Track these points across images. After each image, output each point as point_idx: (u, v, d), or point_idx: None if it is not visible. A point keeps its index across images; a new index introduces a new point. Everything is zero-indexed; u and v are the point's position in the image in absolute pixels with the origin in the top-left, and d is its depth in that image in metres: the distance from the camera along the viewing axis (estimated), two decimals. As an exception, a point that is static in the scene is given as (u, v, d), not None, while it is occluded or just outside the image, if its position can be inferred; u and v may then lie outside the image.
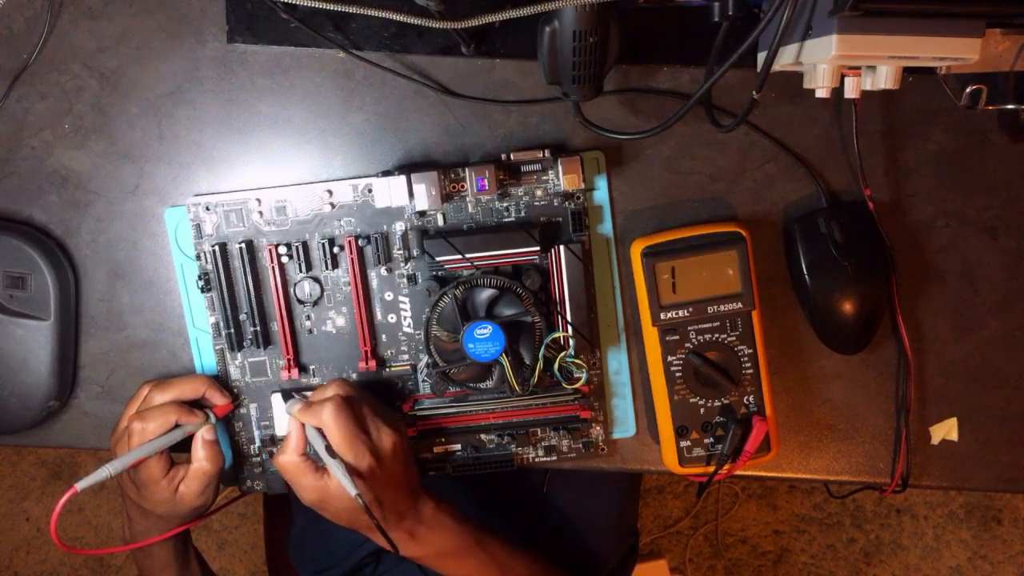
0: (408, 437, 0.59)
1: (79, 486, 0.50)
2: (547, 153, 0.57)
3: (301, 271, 0.59)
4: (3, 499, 1.58)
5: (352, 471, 0.52)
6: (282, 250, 0.58)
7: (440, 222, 0.58)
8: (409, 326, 0.60)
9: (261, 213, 0.58)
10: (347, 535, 0.78)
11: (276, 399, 0.60)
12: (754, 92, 0.48)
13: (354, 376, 0.60)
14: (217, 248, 0.58)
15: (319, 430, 0.53)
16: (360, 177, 0.59)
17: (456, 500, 0.61)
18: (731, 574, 1.57)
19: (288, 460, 0.54)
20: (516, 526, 0.79)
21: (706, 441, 0.60)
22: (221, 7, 0.58)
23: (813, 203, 0.61)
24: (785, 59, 0.51)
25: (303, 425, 0.54)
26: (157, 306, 0.62)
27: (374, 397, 0.58)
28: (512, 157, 0.57)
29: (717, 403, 0.60)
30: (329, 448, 0.52)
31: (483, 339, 0.54)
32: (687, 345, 0.59)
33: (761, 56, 0.54)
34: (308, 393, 0.58)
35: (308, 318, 0.60)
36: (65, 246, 0.61)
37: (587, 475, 0.78)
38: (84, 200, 0.61)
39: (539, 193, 0.58)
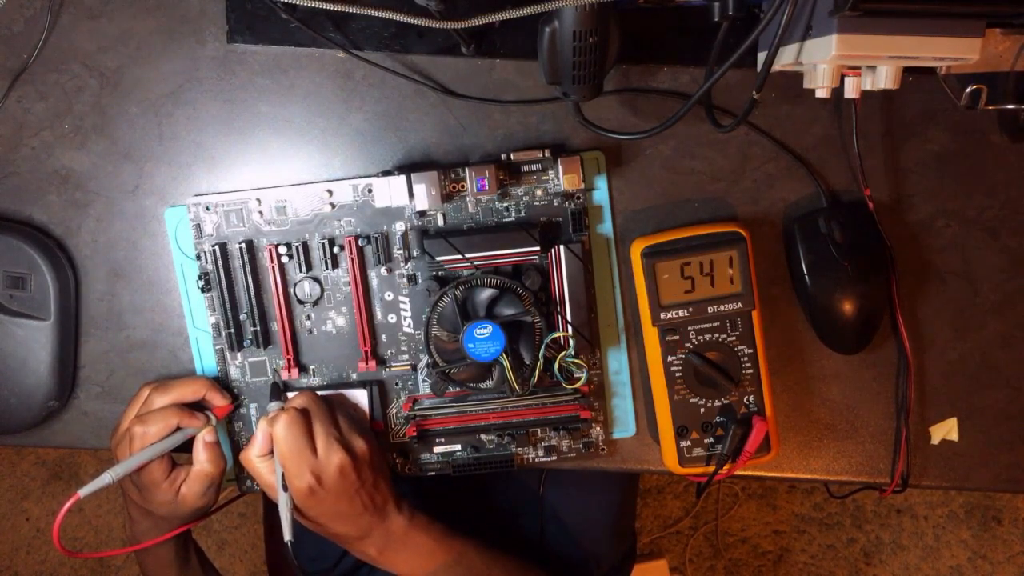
0: (374, 457, 0.56)
1: (82, 493, 0.50)
2: (547, 153, 0.57)
3: (301, 271, 0.59)
4: (3, 499, 1.58)
5: (291, 485, 0.53)
6: (282, 250, 0.58)
7: (440, 222, 0.58)
8: (409, 326, 0.60)
9: (261, 213, 0.58)
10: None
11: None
12: (754, 92, 0.48)
13: (354, 376, 0.60)
14: (217, 248, 0.58)
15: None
16: (360, 177, 0.59)
17: (451, 501, 0.61)
18: (731, 574, 1.57)
19: (242, 456, 0.56)
20: (512, 527, 0.79)
21: (706, 441, 0.60)
22: (221, 7, 0.58)
23: (813, 203, 0.61)
24: (785, 59, 0.51)
25: (269, 431, 0.54)
26: (157, 306, 0.62)
27: (346, 416, 0.57)
28: (512, 157, 0.57)
29: (717, 403, 0.60)
30: (283, 480, 0.54)
31: (483, 339, 0.54)
32: (687, 345, 0.59)
33: (761, 56, 0.54)
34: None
35: (308, 318, 0.60)
36: (65, 246, 0.61)
37: (583, 476, 0.78)
38: (84, 200, 0.61)
39: (539, 193, 0.58)
